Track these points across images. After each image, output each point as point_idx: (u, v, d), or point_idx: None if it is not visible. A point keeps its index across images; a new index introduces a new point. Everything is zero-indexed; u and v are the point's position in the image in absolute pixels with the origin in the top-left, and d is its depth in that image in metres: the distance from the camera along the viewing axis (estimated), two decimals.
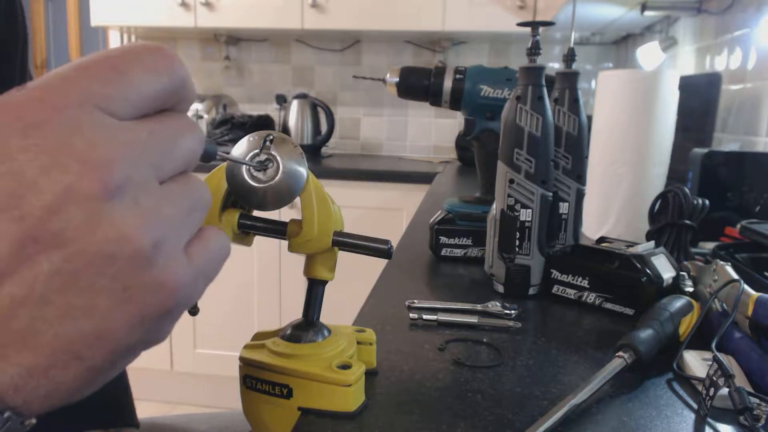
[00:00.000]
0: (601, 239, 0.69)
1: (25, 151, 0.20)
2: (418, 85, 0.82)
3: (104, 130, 0.22)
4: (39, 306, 0.21)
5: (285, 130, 2.35)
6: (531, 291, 0.65)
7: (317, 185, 0.40)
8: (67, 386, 0.22)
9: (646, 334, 0.47)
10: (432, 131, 2.59)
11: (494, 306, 0.59)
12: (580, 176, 0.75)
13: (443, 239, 0.80)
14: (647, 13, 1.60)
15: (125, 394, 0.63)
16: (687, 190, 0.75)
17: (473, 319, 0.57)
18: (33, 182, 0.20)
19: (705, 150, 0.95)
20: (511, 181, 0.63)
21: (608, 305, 0.61)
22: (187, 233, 0.25)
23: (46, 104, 0.21)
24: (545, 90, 0.62)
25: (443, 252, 0.80)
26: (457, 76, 0.80)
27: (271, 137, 0.38)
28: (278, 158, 0.38)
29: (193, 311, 0.44)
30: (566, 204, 0.75)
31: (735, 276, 0.53)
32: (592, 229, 0.94)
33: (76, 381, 0.22)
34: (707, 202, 0.75)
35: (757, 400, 0.40)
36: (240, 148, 0.39)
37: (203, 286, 0.26)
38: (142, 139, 0.23)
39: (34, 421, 0.22)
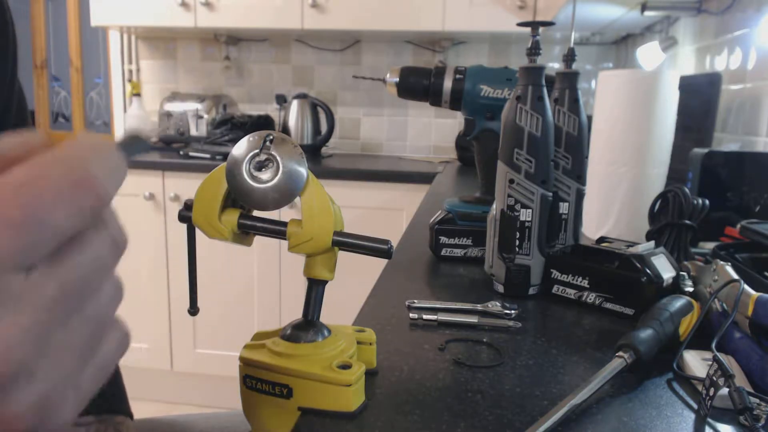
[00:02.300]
0: (601, 239, 0.69)
1: None
2: (418, 85, 0.82)
3: (8, 301, 0.20)
4: None
5: (285, 130, 2.35)
6: (531, 291, 0.65)
7: (317, 185, 0.40)
8: None
9: (646, 334, 0.47)
10: (432, 131, 2.59)
11: (494, 306, 0.59)
12: (580, 176, 0.75)
13: (443, 239, 0.80)
14: (647, 13, 1.60)
15: (117, 386, 0.64)
16: (687, 190, 0.75)
17: (473, 319, 0.57)
18: None
19: (705, 150, 0.95)
20: (511, 181, 0.63)
21: (608, 305, 0.61)
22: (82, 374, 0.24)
23: None
24: (545, 90, 0.62)
25: (443, 252, 0.80)
26: (457, 76, 0.80)
27: (271, 137, 0.39)
28: (278, 158, 0.38)
29: (193, 311, 0.44)
30: (566, 204, 0.75)
31: (735, 276, 0.53)
32: (592, 229, 0.94)
33: None
34: (707, 202, 0.75)
35: (757, 400, 0.40)
36: (240, 148, 0.39)
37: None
38: (50, 301, 0.21)
39: None
